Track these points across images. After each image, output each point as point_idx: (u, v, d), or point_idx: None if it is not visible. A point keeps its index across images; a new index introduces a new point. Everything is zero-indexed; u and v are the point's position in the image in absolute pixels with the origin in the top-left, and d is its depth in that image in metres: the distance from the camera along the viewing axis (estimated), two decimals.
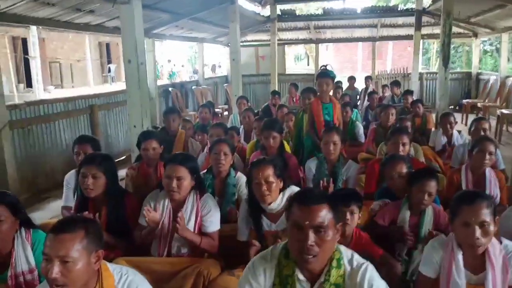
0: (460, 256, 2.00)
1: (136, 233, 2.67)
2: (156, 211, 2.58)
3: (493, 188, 3.23)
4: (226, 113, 9.89)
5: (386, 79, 11.65)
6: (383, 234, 2.72)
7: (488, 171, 3.28)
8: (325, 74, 4.24)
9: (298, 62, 31.11)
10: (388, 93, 9.10)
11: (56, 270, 1.49)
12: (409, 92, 7.81)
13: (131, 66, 3.98)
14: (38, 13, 5.46)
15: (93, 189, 2.61)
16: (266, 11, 11.09)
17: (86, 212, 2.53)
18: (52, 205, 4.85)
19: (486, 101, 9.08)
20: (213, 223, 2.61)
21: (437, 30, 10.94)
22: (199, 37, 10.62)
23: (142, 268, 2.44)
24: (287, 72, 14.21)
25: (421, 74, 11.27)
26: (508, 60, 16.34)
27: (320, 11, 10.91)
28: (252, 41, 12.84)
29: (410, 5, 10.94)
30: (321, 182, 3.31)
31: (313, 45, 13.96)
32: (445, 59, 6.71)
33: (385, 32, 11.91)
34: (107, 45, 22.25)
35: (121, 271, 1.69)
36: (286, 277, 1.69)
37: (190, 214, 2.58)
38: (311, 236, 1.57)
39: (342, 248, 1.75)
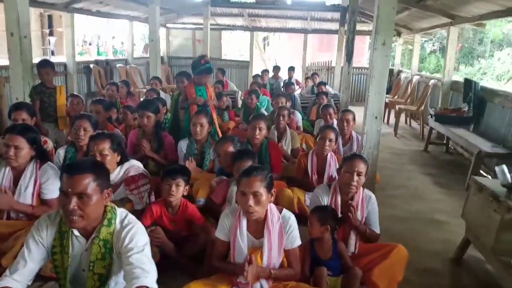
0: (244, 222, 2.33)
1: None
2: None
3: (332, 170, 3.65)
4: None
5: (313, 71, 12.12)
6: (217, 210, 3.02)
7: (330, 156, 3.69)
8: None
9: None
10: (310, 83, 9.60)
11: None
12: (322, 83, 8.30)
13: (13, 39, 4.04)
14: None
15: None
16: None
17: None
18: None
19: (396, 97, 9.73)
20: (51, 190, 2.81)
21: (362, 27, 11.54)
22: (131, 15, 10.53)
23: None
24: (223, 58, 14.41)
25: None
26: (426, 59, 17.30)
27: (253, 0, 11.14)
28: (189, 23, 12.88)
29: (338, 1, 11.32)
30: (187, 161, 3.62)
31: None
32: (349, 54, 7.18)
33: (316, 25, 12.36)
34: (49, 16, 21.34)
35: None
36: (64, 233, 1.93)
37: (28, 182, 2.76)
38: (73, 201, 1.79)
39: (119, 210, 2.00)
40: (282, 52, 28.21)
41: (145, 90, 9.46)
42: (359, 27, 11.34)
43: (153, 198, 3.12)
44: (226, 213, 2.41)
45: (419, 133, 7.96)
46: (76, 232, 1.92)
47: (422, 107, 7.86)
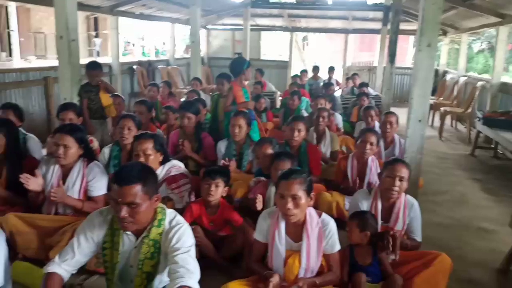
0: (282, 225, 2.32)
1: (30, 193, 2.98)
2: (46, 175, 2.90)
3: (373, 175, 3.57)
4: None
5: (353, 72, 11.92)
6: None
7: (371, 160, 3.61)
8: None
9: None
10: (351, 84, 9.45)
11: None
12: (363, 84, 8.14)
13: (62, 42, 4.21)
14: None
15: None
16: None
17: None
18: None
19: (441, 99, 9.39)
20: (97, 188, 2.93)
21: (405, 26, 11.20)
22: (173, 17, 10.77)
23: (29, 223, 2.80)
24: (262, 58, 14.43)
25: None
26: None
27: (293, 0, 11.09)
28: (229, 24, 13.01)
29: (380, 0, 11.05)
30: (223, 161, 3.67)
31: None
32: (392, 55, 7.00)
33: (357, 25, 12.14)
34: (95, 19, 22.23)
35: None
36: (116, 230, 2.01)
37: (75, 179, 2.89)
38: (124, 210, 1.86)
39: (168, 211, 2.05)
40: (322, 52, 27.96)
41: (185, 90, 9.68)
42: (402, 26, 11.03)
43: (193, 198, 3.18)
44: (264, 215, 2.41)
45: (465, 137, 7.64)
46: (128, 231, 1.99)
47: (469, 110, 7.54)
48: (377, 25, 11.63)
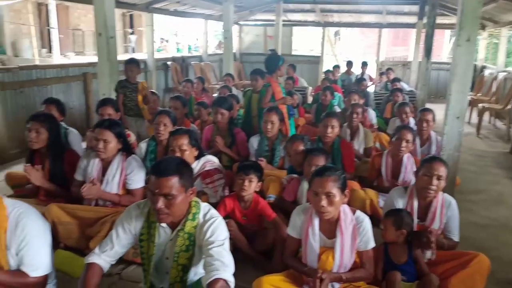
0: (316, 221, 2.33)
1: (72, 185, 3.11)
2: (87, 168, 3.02)
3: (408, 173, 3.51)
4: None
5: (387, 67, 11.68)
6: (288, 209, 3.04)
7: (406, 158, 3.55)
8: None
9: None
10: (384, 79, 9.28)
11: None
12: (396, 79, 7.98)
13: (101, 39, 4.35)
14: None
15: (36, 142, 3.06)
16: None
17: (29, 165, 3.00)
18: None
19: (479, 94, 9.08)
20: (135, 181, 3.03)
21: (442, 20, 10.87)
22: (206, 14, 10.88)
23: (71, 214, 2.93)
24: (294, 53, 14.36)
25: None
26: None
27: None
28: (261, 20, 13.01)
29: None
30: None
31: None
32: (428, 50, 6.82)
33: (391, 19, 11.87)
34: (131, 16, 22.74)
35: (14, 204, 2.03)
36: (152, 223, 2.07)
37: (115, 172, 2.99)
38: (160, 201, 1.90)
39: (203, 205, 2.10)
40: (354, 47, 27.47)
41: (218, 86, 9.78)
42: (439, 20, 10.73)
43: (227, 192, 3.23)
44: (298, 211, 2.42)
45: (504, 134, 7.36)
46: (163, 224, 2.04)
47: (509, 106, 7.25)
48: (412, 19, 11.35)
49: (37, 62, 11.10)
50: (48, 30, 16.12)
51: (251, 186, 2.87)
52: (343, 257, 2.28)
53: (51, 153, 3.12)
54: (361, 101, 5.79)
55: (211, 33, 18.29)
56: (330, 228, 2.33)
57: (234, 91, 6.72)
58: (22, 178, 3.39)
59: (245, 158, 4.05)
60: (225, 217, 2.94)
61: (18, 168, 4.60)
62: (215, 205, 3.01)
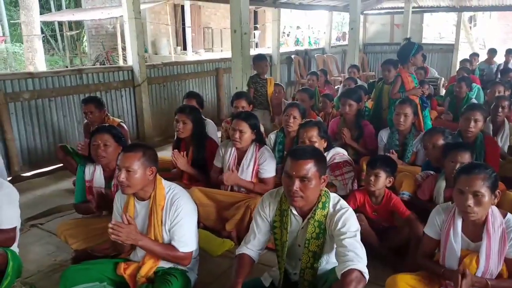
0: (459, 222, 2.17)
1: (212, 171, 3.39)
2: (225, 156, 3.26)
3: None
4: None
5: None
6: (423, 209, 2.89)
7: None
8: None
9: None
10: None
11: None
12: None
13: (236, 35, 4.61)
14: None
15: (183, 132, 3.41)
16: None
17: (176, 150, 3.35)
18: None
19: None
20: (267, 171, 3.18)
21: None
22: (330, 5, 10.77)
23: (210, 197, 3.21)
24: (424, 42, 13.36)
25: None
26: None
27: None
28: (388, 8, 12.38)
29: None
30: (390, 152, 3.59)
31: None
32: None
33: None
34: (255, 12, 23.65)
35: (170, 185, 2.37)
36: (284, 210, 2.16)
37: (249, 162, 3.19)
38: (296, 184, 1.97)
39: (332, 195, 2.13)
40: (492, 33, 24.47)
41: (340, 78, 9.65)
42: None
43: (355, 186, 3.19)
44: (438, 210, 2.29)
45: None
46: (294, 211, 2.12)
47: None
48: None
49: (173, 59, 12.28)
50: (183, 29, 17.66)
51: (378, 181, 2.79)
52: (489, 263, 2.09)
53: (194, 141, 3.44)
54: (507, 93, 5.17)
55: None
56: (475, 230, 2.15)
57: (359, 82, 6.55)
58: (167, 163, 3.79)
59: (372, 152, 3.94)
60: (354, 211, 2.93)
61: (161, 154, 5.16)
62: (344, 198, 3.00)
